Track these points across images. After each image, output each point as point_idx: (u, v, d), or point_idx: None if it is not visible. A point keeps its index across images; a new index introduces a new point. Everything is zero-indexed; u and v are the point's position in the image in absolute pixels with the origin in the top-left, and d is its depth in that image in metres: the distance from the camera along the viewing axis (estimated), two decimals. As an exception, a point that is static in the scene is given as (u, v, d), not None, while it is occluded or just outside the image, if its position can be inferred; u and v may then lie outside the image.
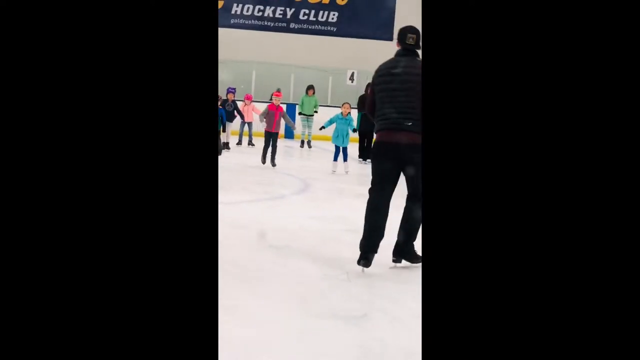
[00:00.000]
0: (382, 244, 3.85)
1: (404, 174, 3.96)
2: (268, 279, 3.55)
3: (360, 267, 3.81)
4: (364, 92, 12.26)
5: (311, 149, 14.35)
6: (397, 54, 4.03)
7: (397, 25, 18.45)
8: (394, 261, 4.03)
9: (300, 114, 14.55)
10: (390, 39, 19.38)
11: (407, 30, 4.02)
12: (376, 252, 3.87)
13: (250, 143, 13.26)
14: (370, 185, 4.04)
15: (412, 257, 4.01)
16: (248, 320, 2.86)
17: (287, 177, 8.51)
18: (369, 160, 11.43)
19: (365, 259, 3.83)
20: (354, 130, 11.01)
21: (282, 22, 17.90)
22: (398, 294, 3.45)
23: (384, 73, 3.99)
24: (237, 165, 9.36)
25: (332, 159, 9.61)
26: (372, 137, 12.04)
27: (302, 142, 14.52)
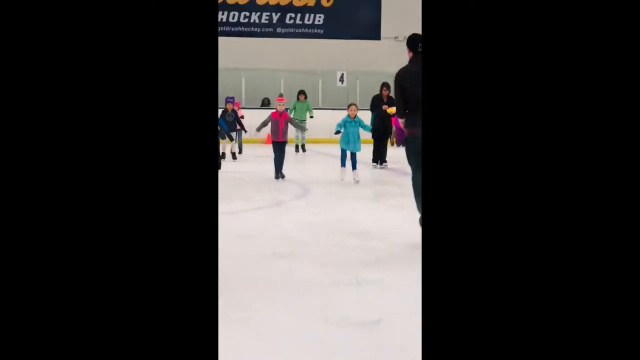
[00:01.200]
0: (388, 246, 3.83)
1: None
2: (277, 289, 3.49)
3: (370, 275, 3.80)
4: (378, 93, 11.78)
5: (306, 152, 14.32)
6: (412, 60, 4.73)
7: (384, 24, 18.58)
8: None
9: (293, 119, 14.52)
10: (378, 38, 19.38)
11: (418, 39, 4.72)
12: None
13: (239, 151, 13.20)
14: (411, 174, 4.84)
15: None
16: (261, 333, 2.80)
17: (284, 183, 8.46)
18: (385, 163, 11.29)
19: None
20: (372, 131, 10.60)
21: (268, 27, 17.89)
22: (411, 297, 3.39)
23: (409, 77, 4.63)
24: (230, 174, 9.30)
25: (340, 164, 8.73)
26: (387, 140, 11.78)
27: (297, 146, 14.49)
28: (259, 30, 17.77)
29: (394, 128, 18.37)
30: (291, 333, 2.81)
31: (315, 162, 12.86)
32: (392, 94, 10.58)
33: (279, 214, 6.26)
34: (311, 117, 14.49)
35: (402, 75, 4.73)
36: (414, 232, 4.72)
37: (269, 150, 9.76)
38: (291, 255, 4.31)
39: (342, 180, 8.53)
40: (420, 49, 4.67)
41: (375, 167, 10.87)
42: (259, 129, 9.03)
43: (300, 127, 10.22)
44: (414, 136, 4.67)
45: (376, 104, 11.48)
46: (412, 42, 4.75)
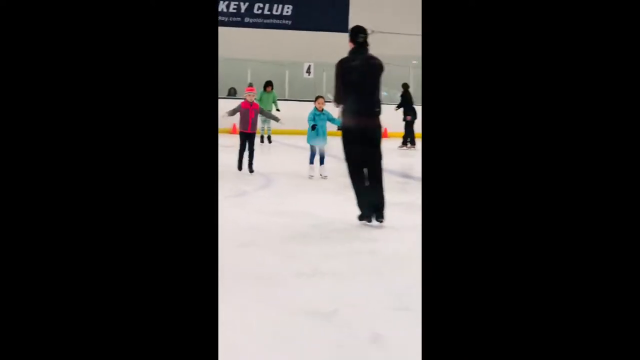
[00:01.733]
0: (347, 238, 3.88)
1: (364, 153, 4.94)
2: (236, 279, 3.51)
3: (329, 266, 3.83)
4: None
5: (271, 143, 14.31)
6: (353, 51, 4.93)
7: (352, 16, 18.57)
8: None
9: (258, 109, 14.45)
10: (345, 31, 19.40)
11: (358, 31, 4.95)
12: (371, 211, 4.92)
13: None
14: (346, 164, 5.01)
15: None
16: (221, 324, 2.81)
17: (248, 173, 8.44)
18: None
19: (366, 216, 4.93)
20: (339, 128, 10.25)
21: (236, 16, 17.75)
22: (367, 288, 3.44)
23: (348, 67, 4.87)
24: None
25: (309, 161, 8.36)
26: None
27: (262, 137, 14.45)
28: (226, 20, 17.62)
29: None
30: (248, 323, 2.83)
31: (281, 153, 12.85)
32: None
33: (241, 204, 6.26)
34: (277, 109, 14.31)
35: (342, 64, 4.95)
36: (372, 225, 4.78)
37: (233, 140, 9.70)
38: (252, 245, 4.32)
39: (311, 177, 8.25)
40: (360, 40, 4.89)
41: None
42: (231, 114, 8.53)
43: (273, 117, 9.95)
44: (347, 126, 4.97)
45: None
46: (353, 33, 4.94)
